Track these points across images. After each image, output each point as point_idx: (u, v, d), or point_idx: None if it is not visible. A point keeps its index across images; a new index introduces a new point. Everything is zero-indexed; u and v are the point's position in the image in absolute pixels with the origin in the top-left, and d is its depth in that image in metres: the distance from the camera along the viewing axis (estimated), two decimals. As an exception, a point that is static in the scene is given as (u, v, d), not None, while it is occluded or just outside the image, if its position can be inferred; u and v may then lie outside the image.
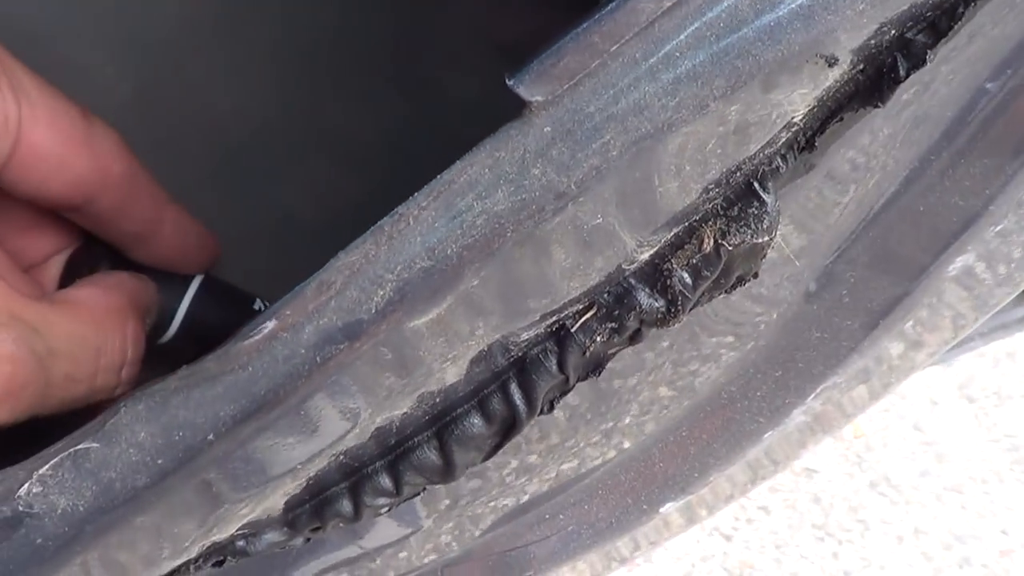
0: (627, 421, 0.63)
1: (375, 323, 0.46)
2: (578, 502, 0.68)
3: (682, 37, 0.41)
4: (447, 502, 0.66)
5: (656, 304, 0.50)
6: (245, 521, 0.57)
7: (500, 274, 0.46)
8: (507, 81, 0.40)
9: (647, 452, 0.66)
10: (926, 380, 1.63)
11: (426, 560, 0.71)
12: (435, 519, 0.66)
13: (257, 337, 0.47)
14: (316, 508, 0.57)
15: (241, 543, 0.59)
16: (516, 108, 0.42)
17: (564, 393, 0.54)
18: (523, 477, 0.67)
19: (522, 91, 0.40)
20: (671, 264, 0.49)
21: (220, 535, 0.57)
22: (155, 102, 0.78)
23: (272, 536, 0.59)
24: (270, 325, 0.47)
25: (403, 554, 0.68)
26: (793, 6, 0.40)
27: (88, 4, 0.79)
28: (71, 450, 0.51)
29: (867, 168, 0.51)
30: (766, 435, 0.65)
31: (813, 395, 0.63)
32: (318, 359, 0.47)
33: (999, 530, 1.61)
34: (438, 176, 0.44)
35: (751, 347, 0.61)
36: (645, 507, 0.68)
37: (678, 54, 0.41)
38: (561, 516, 0.68)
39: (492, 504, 0.68)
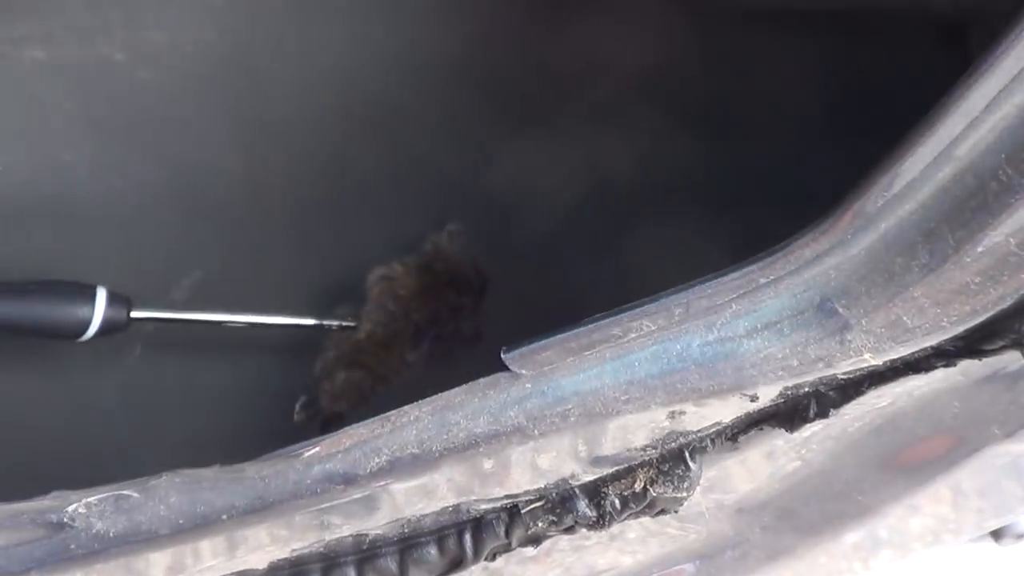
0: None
1: (368, 480, 0.59)
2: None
3: (644, 352, 0.53)
4: None
5: (590, 514, 0.62)
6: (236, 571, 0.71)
7: (469, 470, 0.59)
8: (501, 354, 0.53)
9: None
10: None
11: None
12: None
13: (278, 461, 0.61)
14: (292, 577, 0.71)
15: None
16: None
17: (507, 551, 0.67)
18: None
19: (510, 364, 0.53)
20: (608, 489, 0.62)
21: None
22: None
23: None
24: (291, 459, 0.60)
25: None
26: (731, 361, 0.53)
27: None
28: (117, 492, 0.64)
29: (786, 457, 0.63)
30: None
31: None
32: (318, 490, 0.61)
33: None
34: (439, 395, 0.57)
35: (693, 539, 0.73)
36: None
37: (636, 364, 0.53)
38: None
39: None
